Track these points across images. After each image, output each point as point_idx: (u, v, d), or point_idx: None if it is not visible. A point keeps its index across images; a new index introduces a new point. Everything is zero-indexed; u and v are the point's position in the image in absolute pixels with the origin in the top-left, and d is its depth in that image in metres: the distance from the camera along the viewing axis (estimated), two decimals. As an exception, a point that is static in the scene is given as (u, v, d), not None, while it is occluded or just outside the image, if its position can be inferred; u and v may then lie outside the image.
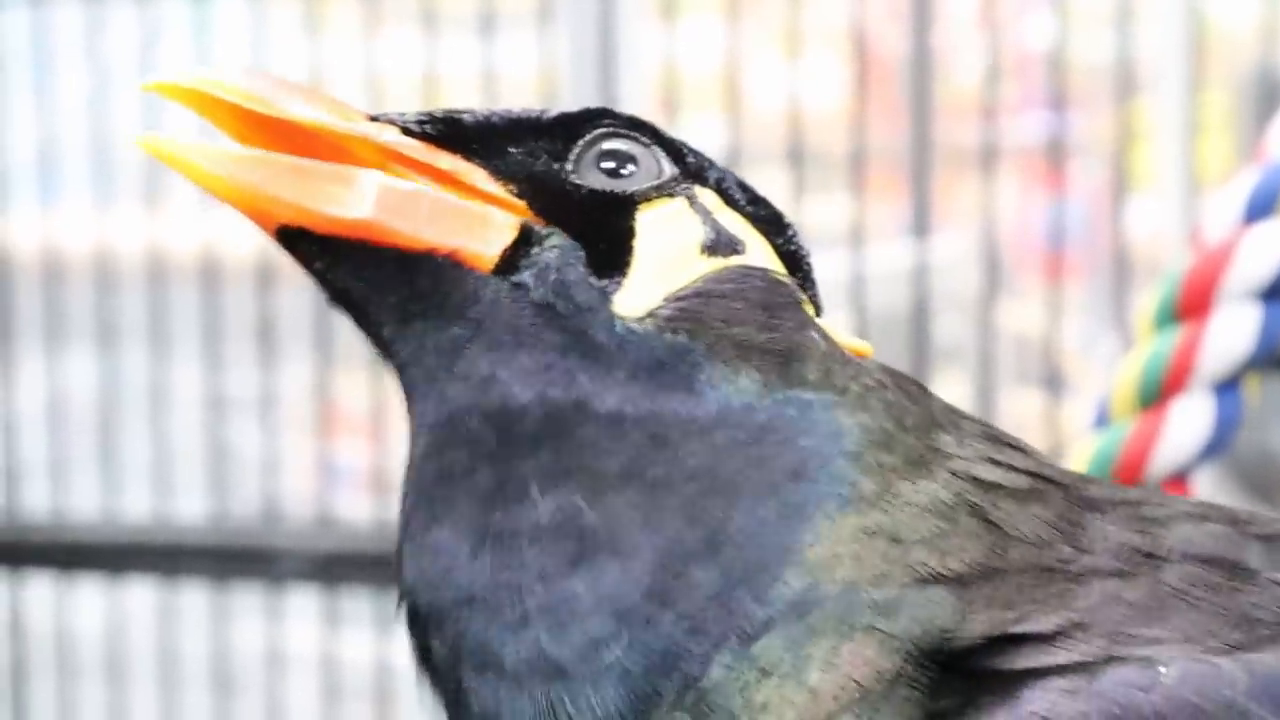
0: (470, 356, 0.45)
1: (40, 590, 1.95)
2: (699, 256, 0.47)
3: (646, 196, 0.47)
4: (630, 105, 1.76)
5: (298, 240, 0.46)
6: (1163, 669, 0.40)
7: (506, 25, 1.82)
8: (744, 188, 0.50)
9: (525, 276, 0.45)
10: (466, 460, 0.44)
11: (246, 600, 1.88)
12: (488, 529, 0.44)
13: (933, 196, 1.77)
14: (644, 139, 0.48)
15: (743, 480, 0.43)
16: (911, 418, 0.45)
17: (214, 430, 1.91)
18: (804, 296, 0.48)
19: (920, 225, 1.75)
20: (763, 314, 0.46)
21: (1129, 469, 0.68)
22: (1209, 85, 1.68)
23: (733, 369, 0.45)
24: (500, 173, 0.47)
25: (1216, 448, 0.68)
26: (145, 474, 1.92)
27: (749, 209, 0.49)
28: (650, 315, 0.45)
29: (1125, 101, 1.70)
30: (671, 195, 0.48)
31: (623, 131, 0.48)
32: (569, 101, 1.78)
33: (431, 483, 0.45)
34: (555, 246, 0.46)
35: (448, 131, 0.47)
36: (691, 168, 0.49)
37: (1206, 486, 0.73)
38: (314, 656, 1.88)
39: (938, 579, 0.42)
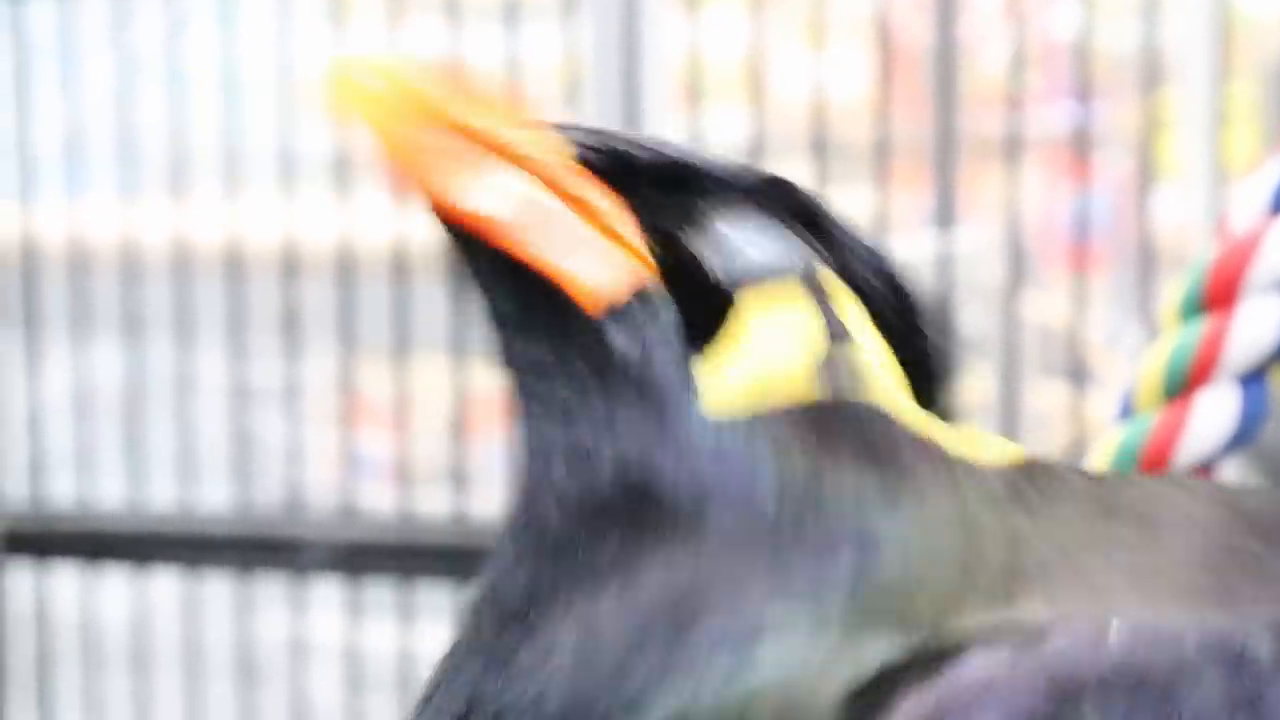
0: (549, 398, 0.44)
1: (65, 580, 1.96)
2: (803, 365, 0.43)
3: (765, 283, 0.44)
4: (653, 96, 1.76)
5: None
6: (1115, 628, 0.38)
7: (530, 15, 1.82)
8: (897, 288, 0.46)
9: (625, 333, 0.43)
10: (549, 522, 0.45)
11: (270, 590, 1.89)
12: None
13: (957, 187, 1.76)
14: (797, 222, 0.45)
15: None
16: (985, 558, 0.42)
17: (238, 420, 1.92)
18: (909, 434, 0.43)
19: (944, 216, 1.74)
20: (854, 457, 0.43)
21: (1154, 461, 0.67)
22: (1235, 75, 1.67)
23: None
24: (646, 222, 0.45)
25: (1242, 439, 0.68)
26: (170, 464, 1.93)
27: (892, 299, 0.45)
28: (732, 419, 0.43)
29: (1151, 91, 1.70)
30: (796, 285, 0.44)
31: (780, 211, 0.45)
32: (591, 92, 1.78)
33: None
34: (662, 316, 0.43)
35: (615, 166, 0.45)
36: (836, 258, 0.45)
37: (1232, 478, 0.73)
38: (338, 646, 1.89)
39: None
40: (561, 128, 0.45)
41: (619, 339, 0.43)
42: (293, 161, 1.89)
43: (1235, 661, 0.38)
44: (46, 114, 1.97)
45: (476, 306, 0.47)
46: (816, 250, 0.45)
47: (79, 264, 1.94)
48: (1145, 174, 1.72)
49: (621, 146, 0.45)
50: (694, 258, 0.44)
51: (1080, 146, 1.75)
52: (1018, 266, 1.73)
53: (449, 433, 1.87)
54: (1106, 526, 0.43)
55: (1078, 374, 1.73)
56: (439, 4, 1.84)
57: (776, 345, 0.44)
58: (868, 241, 0.46)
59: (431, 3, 1.84)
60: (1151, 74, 1.69)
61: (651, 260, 0.44)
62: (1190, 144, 1.65)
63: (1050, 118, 1.79)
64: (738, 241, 0.44)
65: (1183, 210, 1.67)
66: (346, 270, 1.86)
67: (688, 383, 0.43)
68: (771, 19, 1.77)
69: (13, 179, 1.98)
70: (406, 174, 0.45)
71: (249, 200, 1.91)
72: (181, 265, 1.91)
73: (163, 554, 1.91)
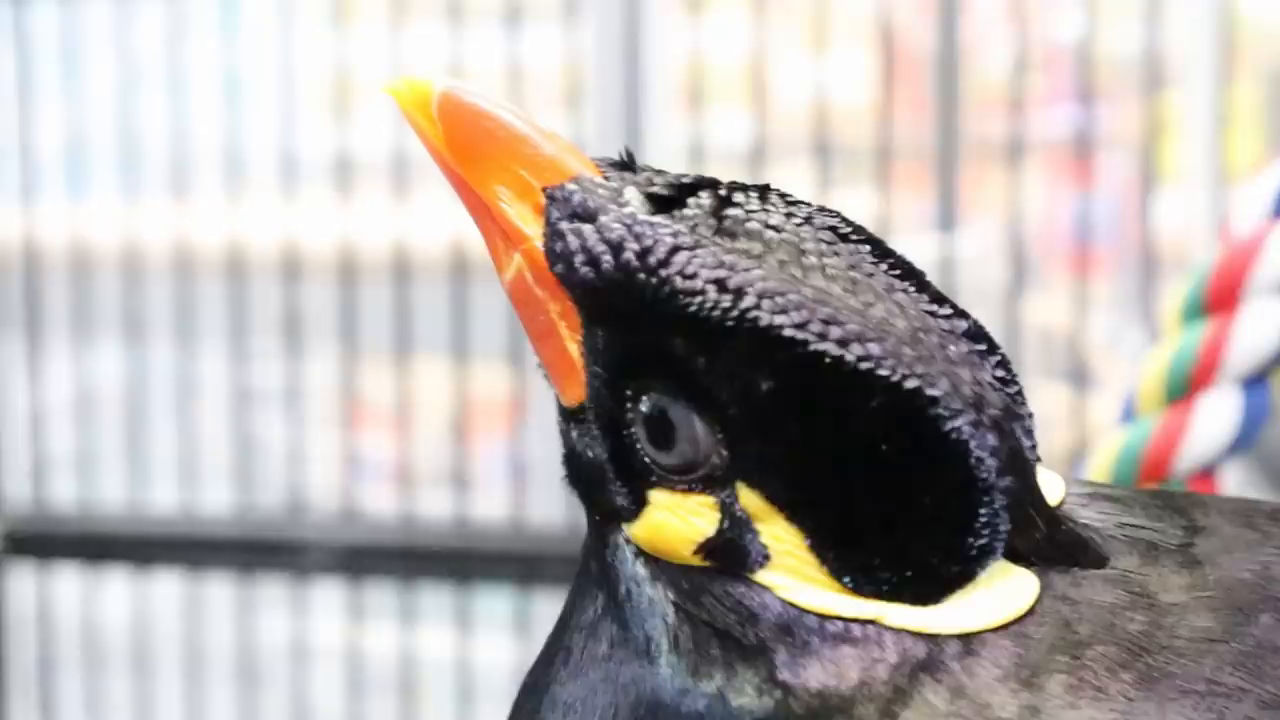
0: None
1: (67, 582, 1.96)
2: (691, 552, 0.42)
3: (682, 488, 0.42)
4: (655, 98, 1.75)
5: None
6: None
7: (532, 17, 1.82)
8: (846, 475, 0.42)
9: (575, 439, 0.44)
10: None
11: (272, 592, 1.89)
12: None
13: (959, 190, 1.76)
14: (724, 407, 0.41)
15: None
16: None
17: (240, 422, 1.92)
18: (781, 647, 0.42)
19: (946, 219, 1.74)
20: (726, 640, 0.42)
21: (1155, 463, 0.67)
22: (1237, 79, 1.67)
23: (675, 655, 0.42)
24: (588, 350, 0.43)
25: (1244, 442, 0.68)
26: (171, 466, 1.93)
27: (824, 513, 0.42)
28: (651, 562, 0.43)
29: (1153, 95, 1.70)
30: (701, 492, 0.42)
31: (715, 396, 0.41)
32: (593, 95, 1.78)
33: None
34: (596, 445, 0.43)
35: (565, 273, 0.43)
36: (765, 459, 0.41)
37: (1234, 481, 0.73)
38: (339, 649, 1.89)
39: None
40: (555, 196, 0.43)
41: (572, 437, 0.44)
42: (294, 164, 1.89)
43: None
44: (49, 116, 1.98)
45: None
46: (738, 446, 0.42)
47: (81, 266, 1.95)
48: (1147, 177, 1.72)
49: (574, 248, 0.42)
50: (619, 415, 0.42)
51: (1082, 150, 1.75)
52: (1019, 269, 1.73)
53: (450, 435, 1.87)
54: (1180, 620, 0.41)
55: (1079, 377, 1.73)
56: (441, 7, 1.84)
57: (669, 529, 0.42)
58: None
59: (434, 6, 1.85)
60: (1154, 77, 1.69)
61: (584, 389, 0.43)
62: (1192, 147, 1.65)
63: (1052, 121, 1.78)
64: (656, 431, 0.42)
65: (1185, 213, 1.67)
66: (348, 273, 1.86)
67: (617, 509, 0.43)
68: (773, 22, 1.77)
69: (15, 181, 1.98)
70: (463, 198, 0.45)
71: (250, 203, 1.91)
72: (183, 267, 1.91)
73: (164, 556, 1.91)
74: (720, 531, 0.42)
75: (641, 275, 0.41)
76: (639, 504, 0.42)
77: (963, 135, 1.75)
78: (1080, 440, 1.66)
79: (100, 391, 1.97)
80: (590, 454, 0.43)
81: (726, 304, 0.40)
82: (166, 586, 1.92)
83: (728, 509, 0.42)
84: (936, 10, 1.75)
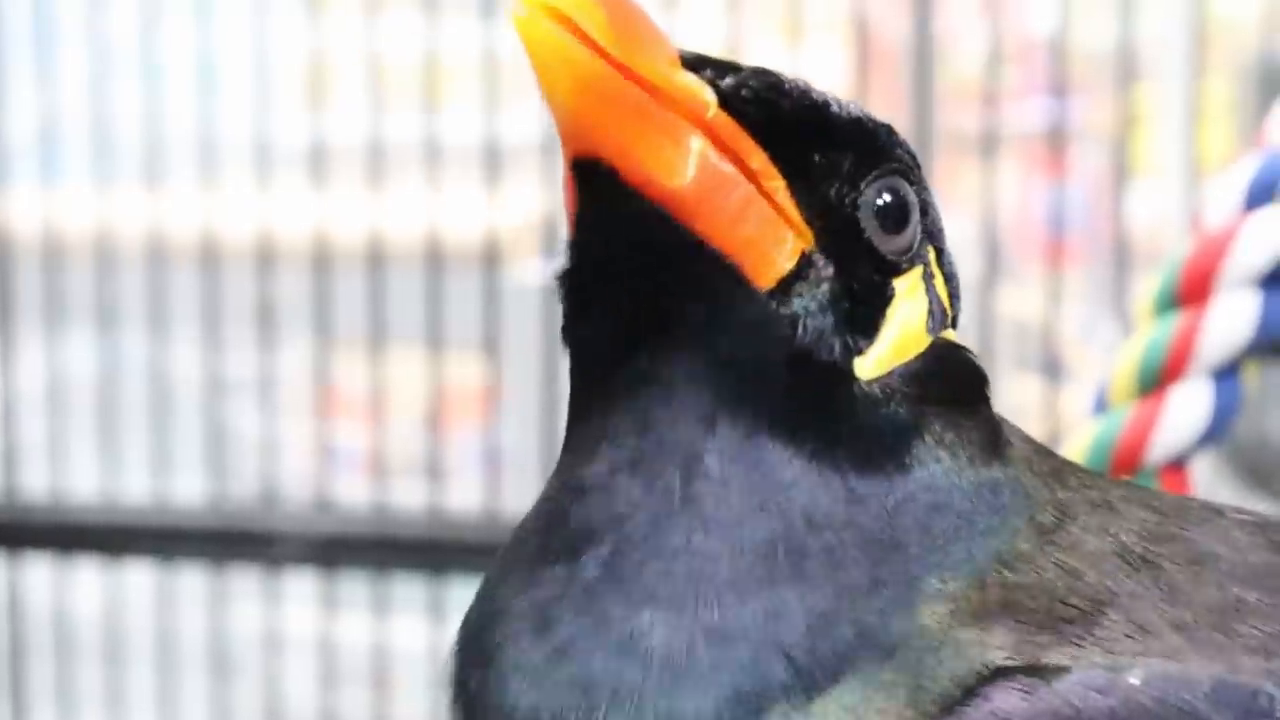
0: (713, 379, 0.43)
1: (39, 572, 1.95)
2: (923, 330, 0.46)
3: (909, 265, 0.46)
4: None
5: (590, 173, 0.42)
6: (1131, 673, 0.41)
7: (505, 7, 1.82)
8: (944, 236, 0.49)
9: (797, 308, 0.43)
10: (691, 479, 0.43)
11: (245, 583, 1.88)
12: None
13: (934, 182, 1.76)
14: (914, 181, 0.47)
15: (916, 546, 0.44)
16: (1051, 487, 0.47)
17: (213, 412, 1.91)
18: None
19: (921, 211, 1.74)
20: (966, 396, 0.46)
21: (1127, 455, 0.68)
22: (1211, 72, 1.67)
23: (941, 448, 0.45)
24: (798, 189, 0.44)
25: (1215, 434, 0.68)
26: (144, 455, 1.92)
27: (948, 268, 0.49)
28: (880, 385, 0.45)
29: (1127, 88, 1.70)
30: (915, 264, 0.47)
31: (910, 172, 0.47)
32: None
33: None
34: (829, 289, 0.44)
35: (761, 116, 0.43)
36: (929, 225, 0.47)
37: (1205, 473, 0.73)
38: (312, 639, 1.88)
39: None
40: (693, 62, 0.43)
41: (794, 312, 0.43)
42: (268, 152, 1.88)
43: (1244, 711, 0.40)
44: (21, 103, 1.97)
45: (580, 265, 0.45)
46: (922, 215, 0.47)
47: (53, 254, 1.94)
48: (1120, 170, 1.72)
49: (761, 88, 0.43)
50: (862, 235, 0.45)
51: (1056, 142, 1.76)
52: (993, 261, 1.73)
53: (424, 425, 1.87)
54: (1158, 569, 0.45)
55: (1052, 368, 1.73)
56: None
57: (910, 321, 0.46)
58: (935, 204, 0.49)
59: (409, -5, 1.84)
60: (1127, 71, 1.69)
61: (808, 229, 0.44)
62: (1165, 141, 1.65)
63: (1026, 114, 1.79)
64: (891, 219, 0.46)
65: (1158, 207, 1.68)
66: (322, 262, 1.86)
67: (848, 356, 0.44)
68: (748, 14, 1.77)
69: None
70: (579, 129, 0.42)
71: (224, 192, 1.90)
72: (156, 256, 1.90)
73: (136, 546, 1.90)
74: (928, 298, 0.47)
75: (824, 99, 0.45)
76: (876, 325, 0.45)
77: (937, 127, 1.76)
78: (1053, 432, 1.67)
79: (72, 380, 1.96)
80: (817, 308, 0.44)
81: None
82: (138, 576, 1.92)
83: (927, 269, 0.47)
84: (910, 3, 1.75)
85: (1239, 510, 0.49)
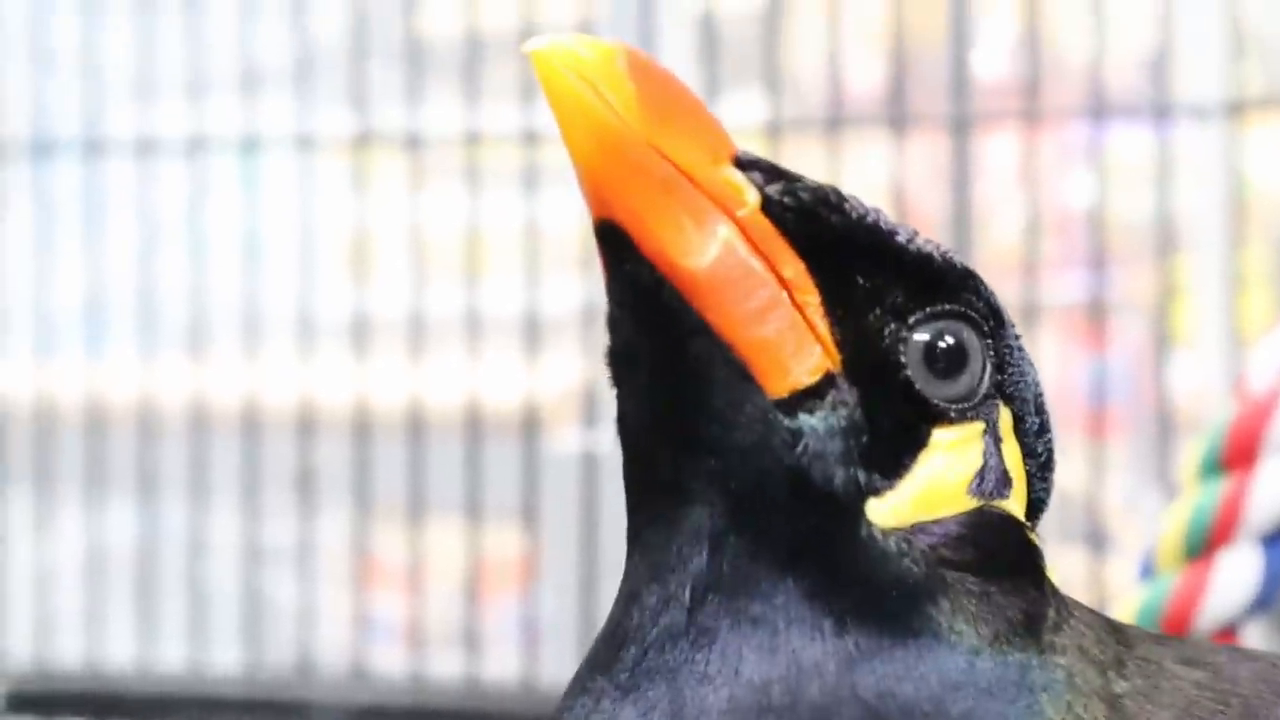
0: (725, 487, 0.41)
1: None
2: (965, 492, 0.43)
3: (960, 418, 0.43)
4: (671, 55, 1.73)
5: (611, 238, 0.41)
6: None
7: (549, 181, 1.84)
8: (1040, 409, 0.46)
9: (802, 424, 0.41)
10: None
11: (279, 753, 1.86)
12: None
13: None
14: (987, 333, 0.44)
15: None
16: (1106, 677, 0.43)
17: (250, 580, 1.91)
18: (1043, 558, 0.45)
19: (961, 381, 1.74)
20: (1008, 570, 0.43)
21: (1176, 622, 0.67)
22: (1248, 242, 1.68)
23: (961, 619, 0.42)
24: (835, 308, 0.42)
25: (1266, 601, 0.67)
26: (181, 624, 1.91)
27: (1031, 440, 0.45)
28: (898, 537, 0.42)
29: (1165, 259, 1.70)
30: (974, 419, 0.43)
31: (980, 323, 0.44)
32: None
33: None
34: (845, 415, 0.41)
35: (803, 228, 0.41)
36: (1007, 386, 0.44)
37: (1256, 640, 0.72)
38: (346, 812, 1.86)
39: None
40: (747, 162, 0.41)
41: (799, 429, 0.41)
42: (311, 323, 1.90)
43: None
44: (68, 272, 1.99)
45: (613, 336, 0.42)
46: (997, 370, 0.44)
47: (96, 423, 1.95)
48: (1161, 340, 1.72)
49: (809, 200, 0.42)
50: (901, 371, 0.42)
51: (1096, 313, 1.76)
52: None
53: (462, 595, 1.86)
54: None
55: (1097, 540, 1.72)
56: (459, 171, 1.86)
57: (949, 476, 0.43)
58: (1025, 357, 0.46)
59: (452, 169, 1.87)
60: (1165, 241, 1.70)
61: (837, 351, 0.42)
62: (1205, 310, 1.65)
63: (1066, 285, 1.79)
64: (944, 366, 0.43)
65: (1199, 375, 1.67)
66: (362, 431, 1.86)
67: (859, 495, 0.41)
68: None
69: (32, 336, 1.99)
70: (598, 191, 0.40)
71: (267, 361, 1.91)
72: (198, 424, 1.91)
73: (172, 715, 1.88)
74: (984, 458, 0.43)
75: (886, 225, 0.43)
76: (898, 469, 0.42)
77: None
78: (1098, 603, 1.64)
79: (111, 547, 1.96)
80: (825, 430, 0.41)
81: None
82: (173, 747, 1.90)
83: (992, 429, 0.43)
84: (949, 174, 1.77)
85: None
